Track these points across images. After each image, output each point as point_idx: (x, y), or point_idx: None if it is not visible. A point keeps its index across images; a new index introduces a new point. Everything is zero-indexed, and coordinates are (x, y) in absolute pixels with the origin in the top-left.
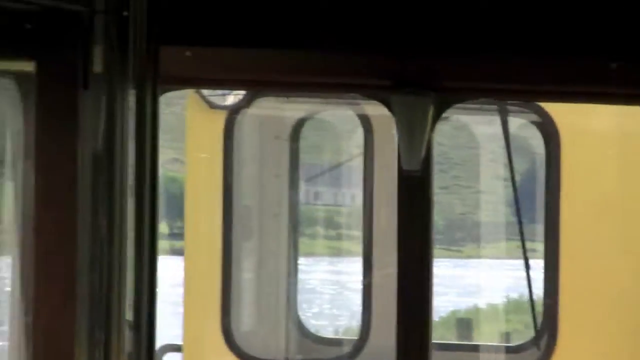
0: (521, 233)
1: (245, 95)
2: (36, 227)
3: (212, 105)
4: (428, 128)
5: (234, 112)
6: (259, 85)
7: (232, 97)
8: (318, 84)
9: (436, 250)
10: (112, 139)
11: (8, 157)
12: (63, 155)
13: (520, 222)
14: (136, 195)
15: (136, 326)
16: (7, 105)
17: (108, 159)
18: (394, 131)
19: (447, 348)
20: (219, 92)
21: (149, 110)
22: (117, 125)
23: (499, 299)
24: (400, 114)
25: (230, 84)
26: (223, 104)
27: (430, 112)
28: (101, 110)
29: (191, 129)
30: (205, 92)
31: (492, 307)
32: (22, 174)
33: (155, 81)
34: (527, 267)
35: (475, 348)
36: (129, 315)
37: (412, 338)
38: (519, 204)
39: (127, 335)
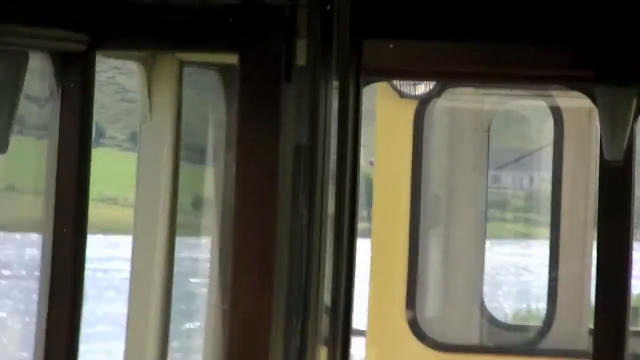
0: None
1: (436, 84)
2: (236, 215)
3: (403, 95)
4: (631, 119)
5: (424, 101)
6: (460, 77)
7: (423, 87)
8: (522, 76)
9: None
10: (315, 131)
11: (210, 146)
12: (264, 146)
13: None
14: (337, 185)
15: (333, 312)
16: (211, 97)
17: (310, 149)
18: (587, 122)
19: None
20: (410, 81)
21: (351, 102)
22: (320, 117)
23: None
24: (603, 105)
25: (429, 76)
26: (413, 93)
27: (634, 103)
28: (303, 103)
29: (381, 117)
30: (395, 81)
31: None
32: (223, 163)
33: (358, 73)
34: None
35: None
36: (326, 301)
37: (609, 325)
38: None
39: (324, 321)
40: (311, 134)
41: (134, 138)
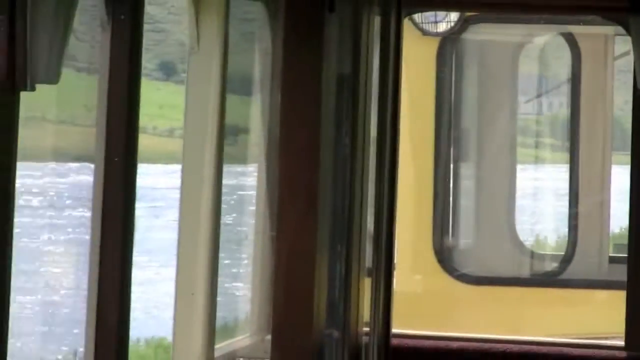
0: None
1: (457, 21)
2: (281, 143)
3: (425, 32)
4: None
5: (446, 38)
6: (494, 7)
7: (444, 25)
8: (555, 6)
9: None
10: (357, 60)
11: (256, 76)
12: (308, 76)
13: None
14: (379, 113)
15: (376, 240)
16: (256, 27)
17: (352, 79)
18: (604, 54)
19: None
20: (432, 19)
21: (393, 31)
22: (362, 46)
23: None
24: (637, 33)
25: (466, 7)
26: (435, 30)
27: None
28: (346, 32)
29: (404, 55)
30: (417, 19)
31: None
32: (268, 92)
33: (399, 3)
34: None
35: None
36: (369, 228)
37: None
38: None
39: (368, 248)
40: (354, 64)
41: (162, 68)
